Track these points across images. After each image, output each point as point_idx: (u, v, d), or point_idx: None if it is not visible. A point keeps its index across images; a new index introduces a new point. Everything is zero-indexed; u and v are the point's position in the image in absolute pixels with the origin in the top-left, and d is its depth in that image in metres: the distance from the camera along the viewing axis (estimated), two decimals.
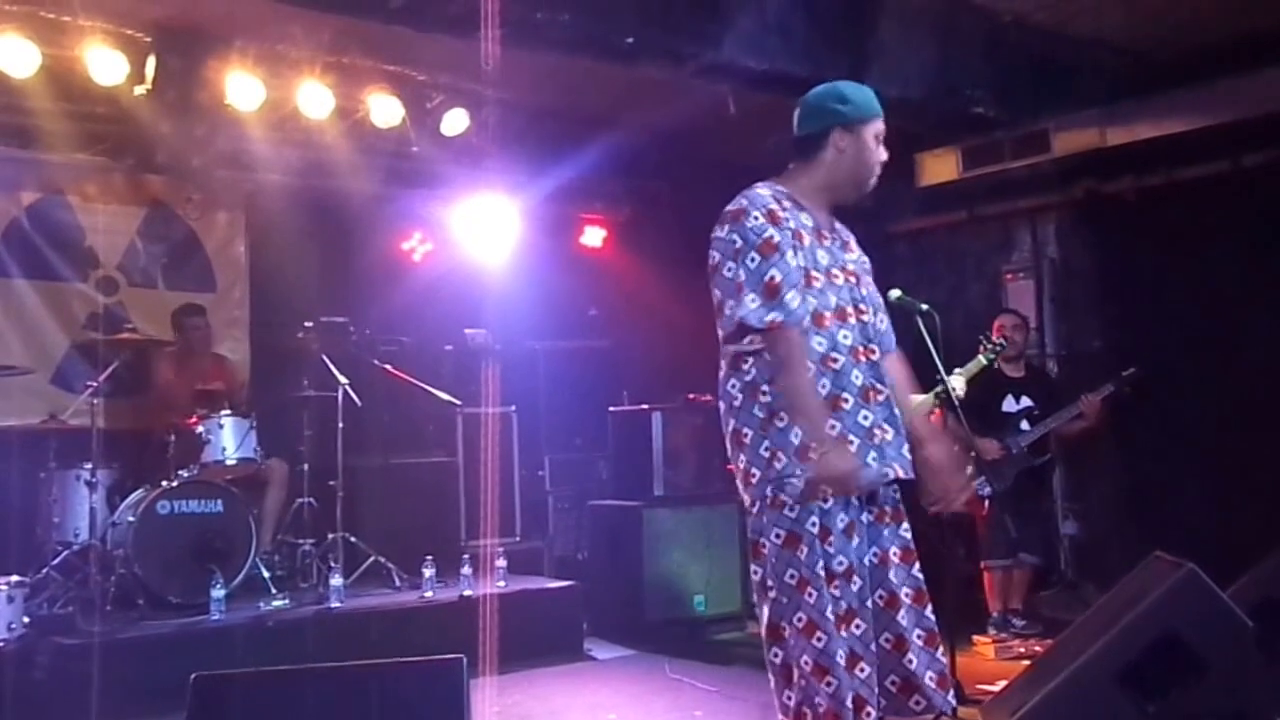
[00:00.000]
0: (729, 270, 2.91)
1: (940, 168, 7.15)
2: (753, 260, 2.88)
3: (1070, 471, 7.04)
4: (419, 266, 7.56)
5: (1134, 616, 3.71)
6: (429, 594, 5.71)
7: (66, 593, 5.38)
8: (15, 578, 4.87)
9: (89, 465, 5.57)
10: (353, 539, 6.03)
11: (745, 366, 2.94)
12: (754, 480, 2.90)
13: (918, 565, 3.09)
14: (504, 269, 7.45)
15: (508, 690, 5.02)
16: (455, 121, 6.67)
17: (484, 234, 7.44)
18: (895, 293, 4.66)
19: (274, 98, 6.15)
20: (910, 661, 2.98)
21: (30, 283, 6.51)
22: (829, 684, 2.81)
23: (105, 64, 5.64)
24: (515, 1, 4.80)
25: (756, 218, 2.92)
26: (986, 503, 5.86)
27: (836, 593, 2.86)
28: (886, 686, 2.98)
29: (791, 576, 2.85)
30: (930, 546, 6.73)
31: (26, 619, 4.85)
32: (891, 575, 3.00)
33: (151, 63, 5.78)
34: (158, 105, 5.93)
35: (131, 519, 5.46)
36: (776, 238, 2.90)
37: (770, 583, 2.91)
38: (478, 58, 5.78)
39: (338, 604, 5.45)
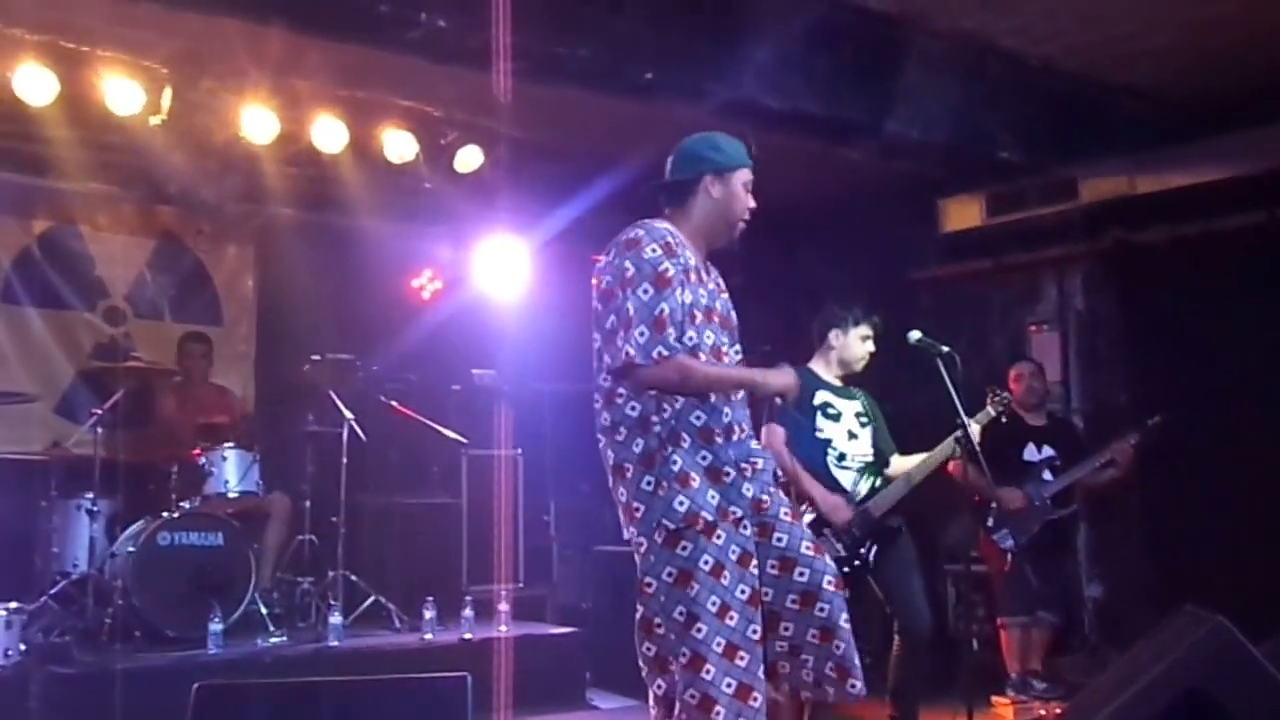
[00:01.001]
0: (619, 299, 3.05)
1: (964, 214, 7.23)
2: (645, 292, 3.03)
3: (1095, 532, 7.02)
4: (428, 304, 7.71)
5: (1159, 671, 3.72)
6: (429, 636, 5.78)
7: (63, 622, 5.48)
8: (14, 604, 4.99)
9: (90, 495, 5.73)
10: (353, 578, 6.12)
11: (630, 400, 3.07)
12: (638, 515, 3.01)
13: (828, 557, 3.27)
14: (514, 309, 7.59)
15: None
16: (469, 158, 6.86)
17: (495, 273, 7.59)
18: (915, 334, 4.79)
19: (287, 131, 6.34)
20: (839, 647, 3.14)
21: (39, 311, 6.75)
22: (717, 713, 2.89)
23: (122, 94, 5.85)
24: (534, 34, 4.95)
25: (654, 250, 3.07)
26: (1009, 557, 5.88)
27: (732, 623, 2.95)
28: (828, 673, 3.15)
29: (680, 614, 2.94)
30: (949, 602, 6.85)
31: (23, 646, 4.95)
32: (796, 576, 3.15)
33: (167, 94, 5.99)
34: (172, 136, 6.15)
35: (131, 550, 5.57)
36: (670, 271, 3.06)
37: (659, 620, 2.99)
38: (493, 94, 5.99)
39: (336, 643, 5.54)
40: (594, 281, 3.17)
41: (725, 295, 3.40)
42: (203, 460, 5.98)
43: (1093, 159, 6.61)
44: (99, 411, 5.76)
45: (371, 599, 6.12)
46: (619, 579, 6.48)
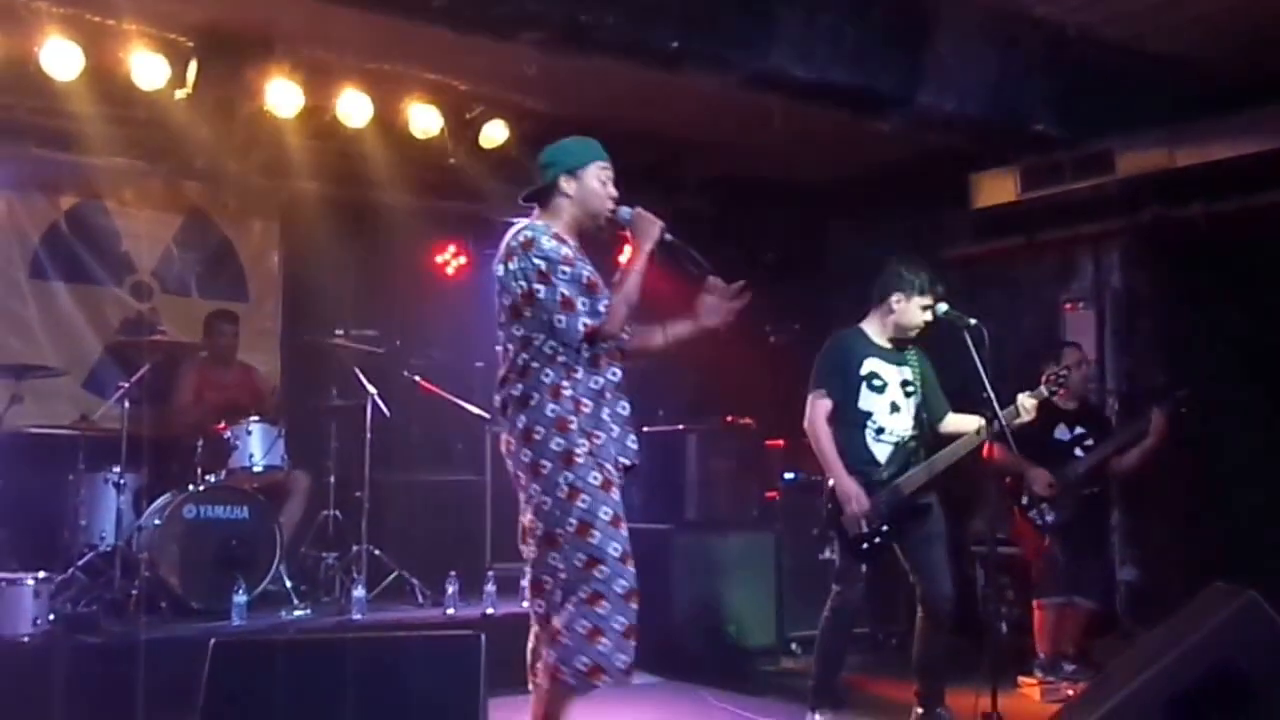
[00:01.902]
0: (545, 292, 3.46)
1: (996, 189, 7.15)
2: (564, 272, 3.48)
3: (1128, 515, 6.98)
4: (452, 280, 7.76)
5: (1188, 644, 3.72)
6: (451, 611, 5.85)
7: (91, 593, 5.61)
8: (42, 574, 5.10)
9: (117, 469, 5.82)
10: (377, 552, 6.21)
11: (543, 370, 3.48)
12: (544, 473, 3.44)
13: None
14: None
15: (525, 710, 5.11)
16: (494, 133, 6.89)
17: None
18: (942, 307, 4.81)
19: (313, 105, 6.40)
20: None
21: (67, 286, 6.89)
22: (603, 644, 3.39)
23: (147, 68, 5.92)
24: (559, 3, 4.99)
25: (549, 240, 3.53)
26: (1046, 538, 5.86)
27: (630, 568, 3.47)
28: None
29: (580, 560, 3.41)
30: (978, 584, 6.85)
31: (51, 615, 5.06)
32: None
33: (193, 67, 6.05)
34: (197, 110, 6.22)
35: (157, 523, 5.69)
36: (569, 253, 3.53)
37: (562, 566, 3.43)
38: (519, 68, 6.02)
39: (359, 616, 5.62)
40: (504, 290, 3.53)
41: None
42: (228, 435, 6.07)
43: (1130, 131, 6.51)
44: (124, 385, 5.86)
45: (395, 574, 6.21)
46: (644, 557, 6.52)
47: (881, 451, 4.83)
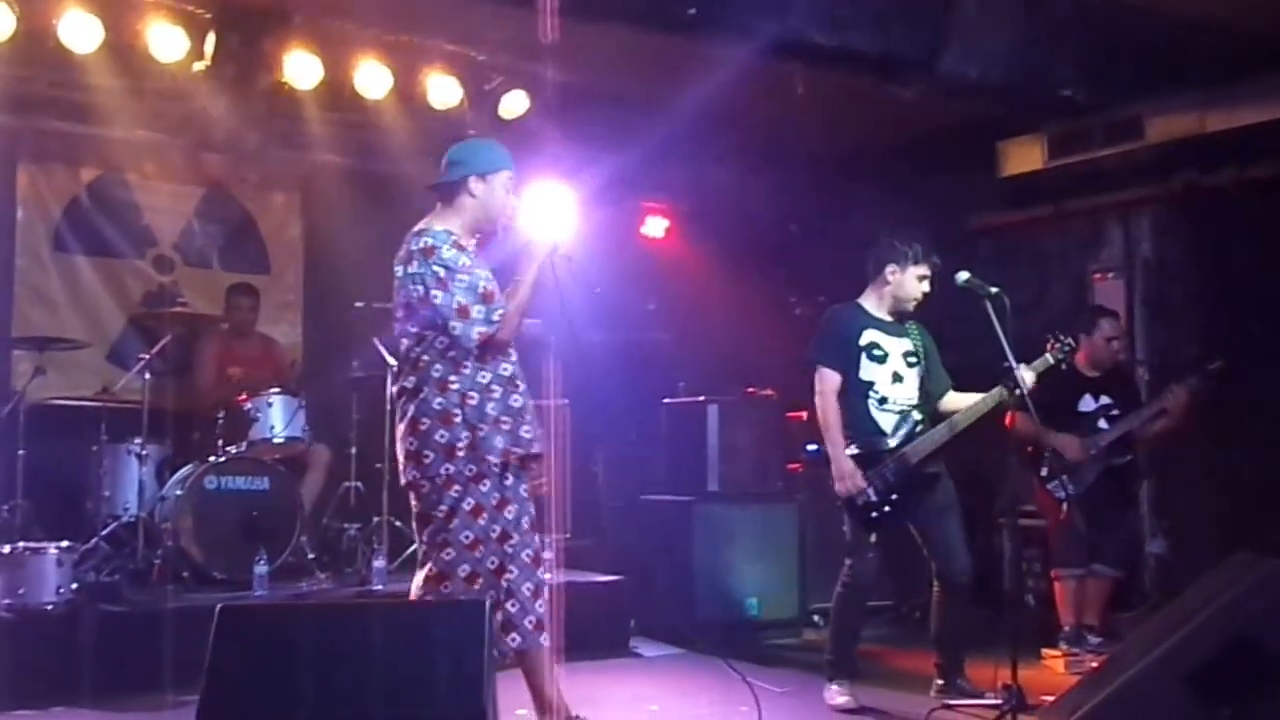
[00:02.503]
0: (441, 297, 3.65)
1: (1024, 157, 7.09)
2: (461, 281, 3.67)
3: (1158, 485, 6.95)
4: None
5: (1209, 615, 3.70)
6: None
7: (114, 563, 5.69)
8: (65, 544, 5.16)
9: (139, 440, 5.90)
10: (398, 523, 6.24)
11: (434, 364, 3.69)
12: (427, 461, 3.67)
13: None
14: (561, 257, 7.60)
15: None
16: (514, 103, 6.89)
17: (541, 220, 7.60)
18: (963, 275, 4.77)
19: (331, 77, 6.43)
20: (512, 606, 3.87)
21: (89, 259, 6.96)
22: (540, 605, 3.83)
23: (165, 40, 5.97)
24: None
25: (450, 249, 3.71)
26: (1064, 507, 5.84)
27: (534, 539, 3.82)
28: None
29: (466, 537, 3.68)
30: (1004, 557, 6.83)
31: (75, 585, 5.12)
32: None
33: (211, 39, 6.09)
34: (216, 82, 6.26)
35: (179, 493, 5.75)
36: (467, 261, 3.72)
37: (468, 534, 3.70)
38: (538, 36, 6.00)
39: (379, 586, 5.67)
40: (402, 290, 3.74)
41: None
42: (249, 406, 6.12)
43: (1160, 96, 6.44)
44: (145, 357, 5.92)
45: (415, 545, 6.22)
46: (666, 529, 6.59)
47: (886, 421, 4.83)
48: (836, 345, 4.88)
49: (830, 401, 4.81)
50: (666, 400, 7.03)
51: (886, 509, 4.74)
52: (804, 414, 6.90)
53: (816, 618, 6.50)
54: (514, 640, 3.82)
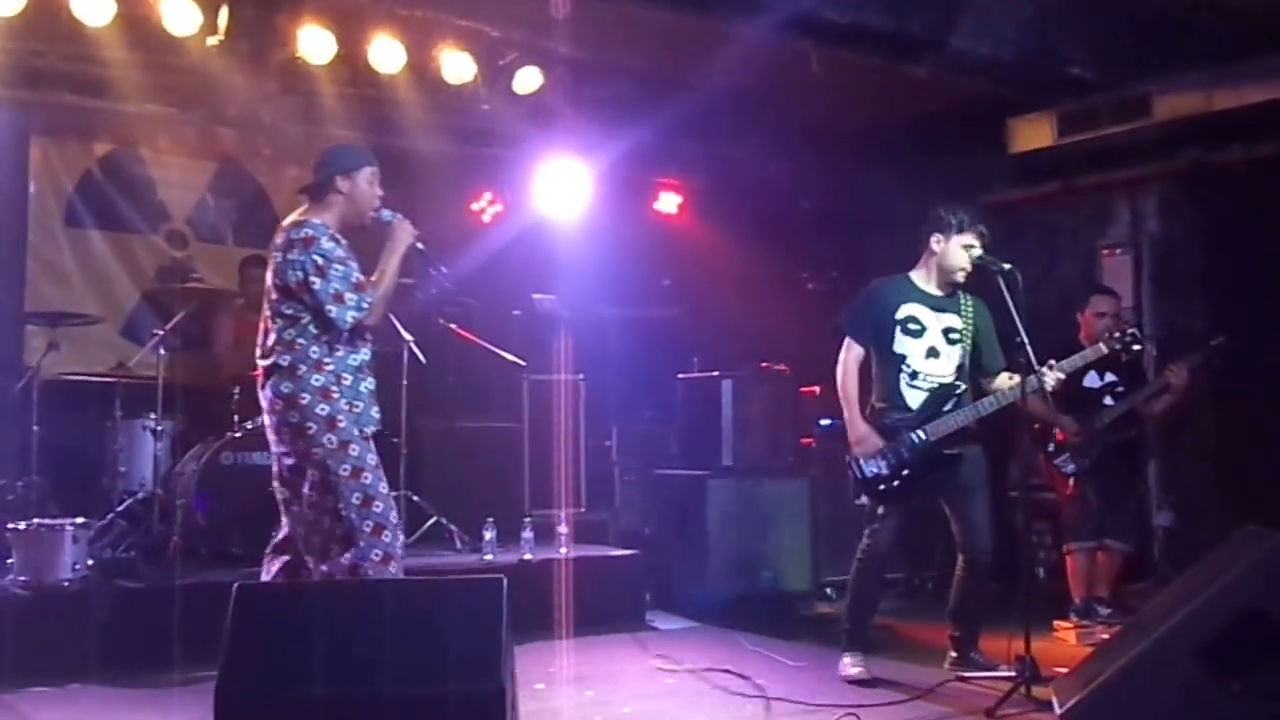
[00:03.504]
0: (319, 284, 3.91)
1: (1033, 134, 7.07)
2: (337, 270, 3.95)
3: (1165, 459, 6.97)
4: (488, 228, 7.76)
5: (1217, 589, 3.72)
6: (489, 557, 5.91)
7: (130, 538, 5.69)
8: (80, 520, 5.15)
9: (154, 415, 5.89)
10: (415, 498, 6.27)
11: (310, 346, 3.95)
12: (309, 432, 3.91)
13: None
14: (575, 234, 7.61)
15: (563, 654, 5.18)
16: (528, 79, 6.86)
17: (555, 197, 7.60)
18: (976, 251, 4.76)
19: (345, 51, 6.41)
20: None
21: (102, 233, 6.94)
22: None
23: (179, 14, 5.93)
24: None
25: (329, 241, 3.98)
26: (1071, 481, 5.85)
27: (390, 504, 4.02)
28: None
29: (358, 498, 3.91)
30: (1013, 530, 6.86)
31: (91, 561, 5.12)
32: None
33: (224, 13, 6.06)
34: (230, 56, 6.24)
35: (195, 469, 5.74)
36: (342, 254, 3.99)
37: (341, 503, 3.91)
38: (551, 13, 5.97)
39: None
40: (280, 275, 3.97)
41: None
42: None
43: (1168, 74, 6.43)
44: (160, 332, 5.90)
45: (433, 519, 6.27)
46: (680, 503, 6.61)
47: (914, 397, 4.80)
48: (867, 316, 4.87)
49: (850, 369, 4.81)
50: (681, 375, 7.03)
51: (895, 484, 4.74)
52: (817, 389, 6.93)
53: (829, 590, 6.54)
54: None
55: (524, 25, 6.54)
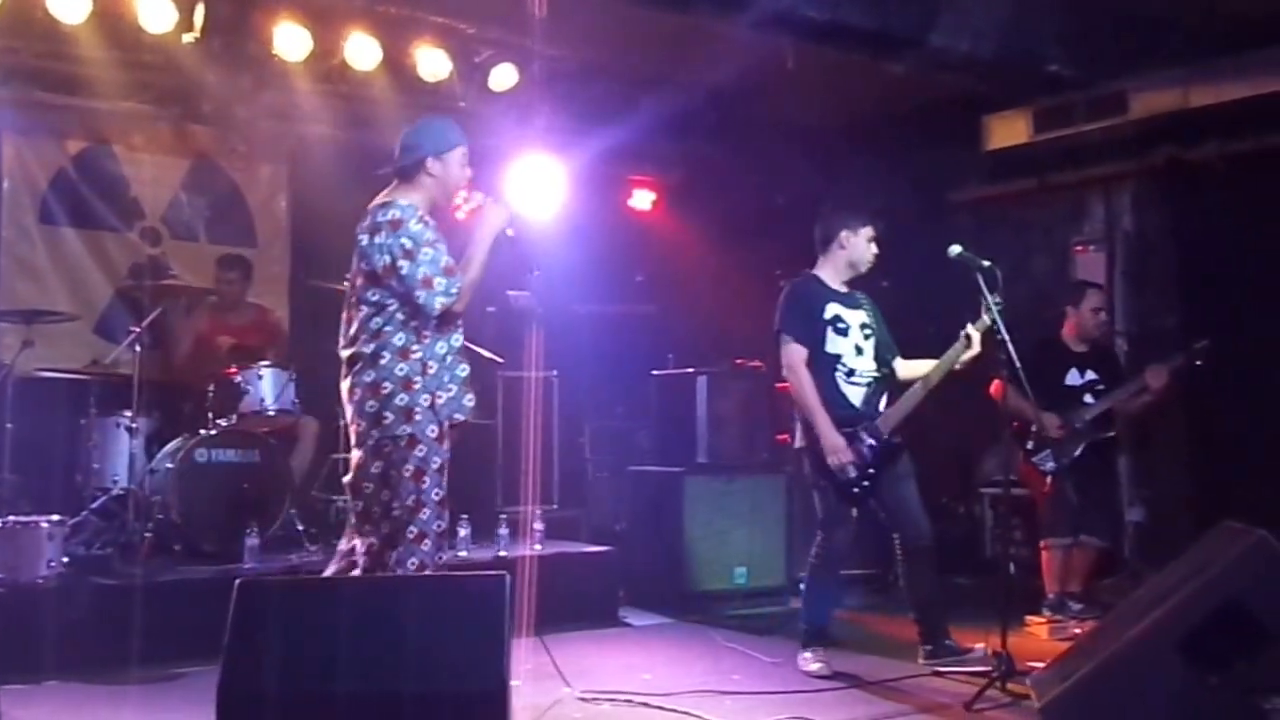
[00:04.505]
0: (407, 268, 3.72)
1: (1009, 130, 7.05)
2: (426, 253, 3.75)
3: (1138, 455, 6.95)
4: (462, 225, 7.66)
5: (1198, 584, 3.70)
6: (463, 553, 5.82)
7: (105, 536, 5.62)
8: (55, 517, 5.08)
9: (129, 413, 5.80)
10: None
11: (395, 333, 3.77)
12: (385, 422, 3.75)
13: None
14: (549, 230, 7.53)
15: (538, 650, 5.10)
16: (503, 76, 6.81)
17: (530, 193, 7.52)
18: (955, 248, 4.73)
19: (321, 49, 6.35)
20: None
21: (76, 231, 6.82)
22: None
23: (154, 11, 5.87)
24: None
25: (416, 224, 3.78)
26: (1049, 479, 5.83)
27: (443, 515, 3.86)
28: None
29: (412, 499, 3.75)
30: (987, 526, 6.83)
31: (65, 558, 5.05)
32: None
33: (200, 11, 5.98)
34: (205, 54, 6.18)
35: (169, 466, 5.66)
36: (432, 236, 3.80)
37: (395, 501, 3.77)
38: (528, 11, 5.91)
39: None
40: (365, 259, 3.79)
41: None
42: (239, 379, 6.02)
43: (1144, 71, 6.43)
44: (135, 330, 5.81)
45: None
46: (655, 500, 6.56)
47: (855, 394, 4.82)
48: (803, 318, 4.85)
49: (803, 374, 4.77)
50: (655, 372, 6.98)
51: (865, 483, 4.74)
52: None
53: (804, 586, 6.48)
54: None
55: (500, 22, 6.48)
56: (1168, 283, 7.02)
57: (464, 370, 3.93)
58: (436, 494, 3.79)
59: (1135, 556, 7.00)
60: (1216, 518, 5.61)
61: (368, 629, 2.85)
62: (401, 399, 3.75)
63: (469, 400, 3.93)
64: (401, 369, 3.76)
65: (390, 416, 3.74)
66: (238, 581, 2.96)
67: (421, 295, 3.72)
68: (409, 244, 3.73)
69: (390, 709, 2.80)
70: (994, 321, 4.56)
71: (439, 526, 3.82)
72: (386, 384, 3.75)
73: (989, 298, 4.55)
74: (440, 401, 3.79)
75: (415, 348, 3.78)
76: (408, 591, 2.99)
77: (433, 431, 3.77)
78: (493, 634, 2.84)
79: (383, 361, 3.77)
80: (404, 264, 3.72)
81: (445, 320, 3.84)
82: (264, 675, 2.85)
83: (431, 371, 3.80)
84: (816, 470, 4.80)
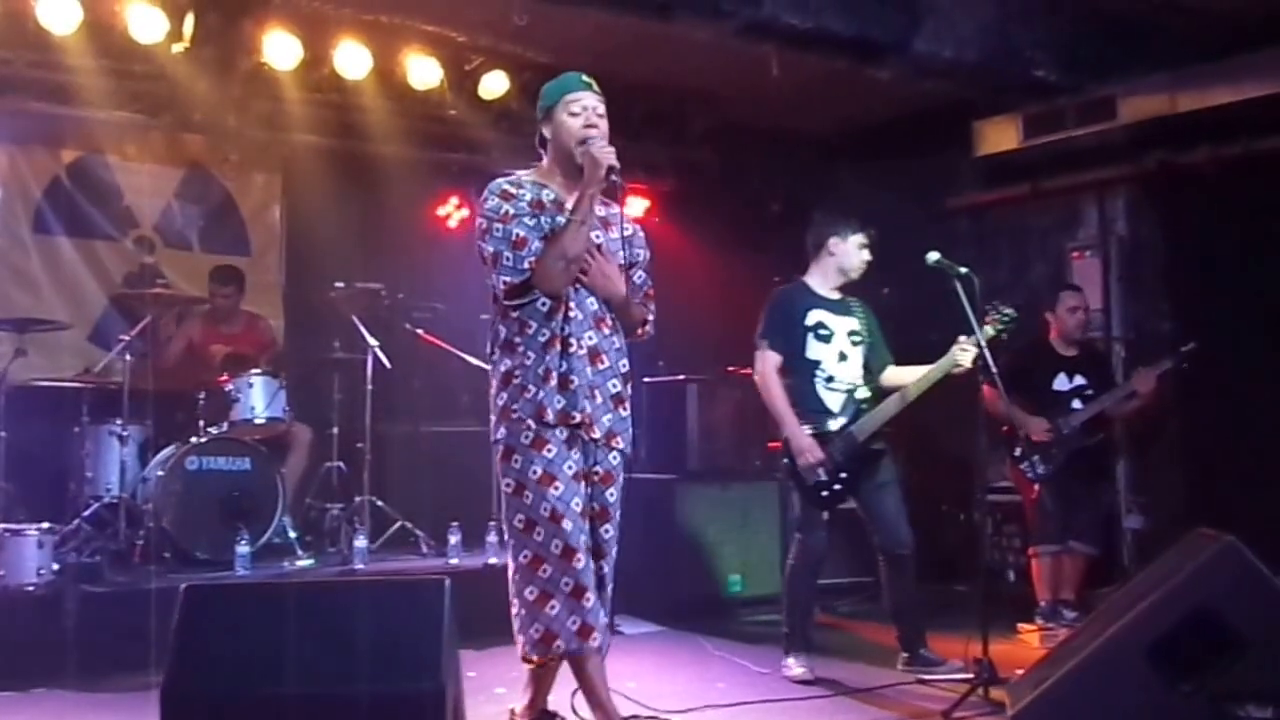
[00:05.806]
0: (481, 248, 3.53)
1: (999, 136, 7.14)
2: (499, 229, 3.49)
3: (1134, 462, 7.02)
4: (455, 233, 7.80)
5: (1167, 590, 3.77)
6: (454, 561, 5.95)
7: (96, 543, 5.71)
8: (46, 525, 5.20)
9: (121, 421, 5.92)
10: (379, 503, 6.31)
11: (499, 324, 3.61)
12: (491, 422, 3.62)
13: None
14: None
15: (516, 661, 5.19)
16: (494, 84, 6.90)
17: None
18: (933, 255, 4.81)
19: (311, 57, 6.45)
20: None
21: (70, 240, 6.96)
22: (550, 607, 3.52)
23: (144, 21, 5.96)
24: None
25: (494, 198, 3.55)
26: (1036, 486, 5.91)
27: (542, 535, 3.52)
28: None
29: (520, 520, 3.53)
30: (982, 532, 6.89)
31: (56, 566, 5.16)
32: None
33: (190, 20, 6.09)
34: (195, 63, 6.28)
35: (161, 474, 5.79)
36: (509, 210, 3.51)
37: (505, 519, 3.61)
38: (517, 19, 6.02)
39: (361, 565, 5.72)
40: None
41: (613, 234, 3.77)
42: (230, 387, 6.14)
43: (1132, 76, 6.50)
44: (126, 338, 5.95)
45: (398, 524, 6.31)
46: (647, 507, 6.61)
47: (833, 400, 4.92)
48: (782, 325, 4.98)
49: (773, 380, 4.91)
50: (646, 379, 7.06)
51: (836, 487, 4.87)
52: None
53: (783, 591, 6.57)
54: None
55: (490, 30, 6.58)
56: (1163, 287, 7.06)
57: (564, 364, 3.52)
58: (547, 507, 3.47)
59: (1134, 564, 7.03)
60: (1215, 526, 5.69)
61: (310, 632, 2.92)
62: (501, 396, 3.57)
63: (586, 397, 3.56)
64: (505, 363, 3.59)
65: (493, 417, 3.60)
66: (183, 586, 3.04)
67: (490, 277, 3.51)
68: (484, 223, 3.54)
69: (330, 711, 2.87)
70: (979, 344, 4.63)
71: (559, 546, 3.48)
72: (494, 380, 3.63)
73: (967, 305, 4.62)
74: (540, 396, 3.50)
75: (517, 339, 3.56)
76: (349, 595, 3.08)
77: (526, 437, 3.51)
78: (431, 637, 2.93)
79: (494, 356, 3.64)
80: (481, 245, 3.53)
81: (553, 304, 3.50)
82: (207, 678, 2.91)
83: (529, 362, 3.53)
84: (789, 474, 4.93)
